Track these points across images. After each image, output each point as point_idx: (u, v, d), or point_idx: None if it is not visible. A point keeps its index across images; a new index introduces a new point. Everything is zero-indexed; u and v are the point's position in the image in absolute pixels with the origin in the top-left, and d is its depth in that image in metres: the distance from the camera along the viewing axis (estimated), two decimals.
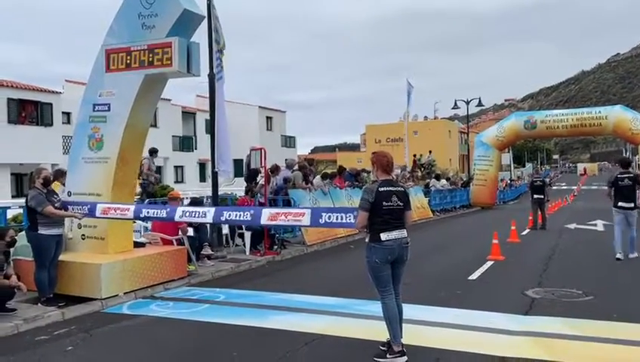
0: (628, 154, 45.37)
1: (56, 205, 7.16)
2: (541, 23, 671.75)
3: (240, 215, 6.88)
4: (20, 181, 25.72)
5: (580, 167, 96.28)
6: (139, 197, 12.84)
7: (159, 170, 13.24)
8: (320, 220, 6.03)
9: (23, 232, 7.57)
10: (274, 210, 6.72)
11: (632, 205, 10.00)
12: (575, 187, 45.36)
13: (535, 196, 16.29)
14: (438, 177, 25.79)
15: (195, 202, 10.77)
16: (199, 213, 7.10)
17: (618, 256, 9.90)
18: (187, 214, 7.09)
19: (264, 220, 6.53)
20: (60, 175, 8.89)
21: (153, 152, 13.10)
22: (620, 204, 9.96)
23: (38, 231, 6.93)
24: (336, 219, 5.87)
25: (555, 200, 27.51)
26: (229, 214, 6.97)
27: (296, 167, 14.43)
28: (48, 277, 6.97)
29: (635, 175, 10.27)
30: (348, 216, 5.72)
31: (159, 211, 7.55)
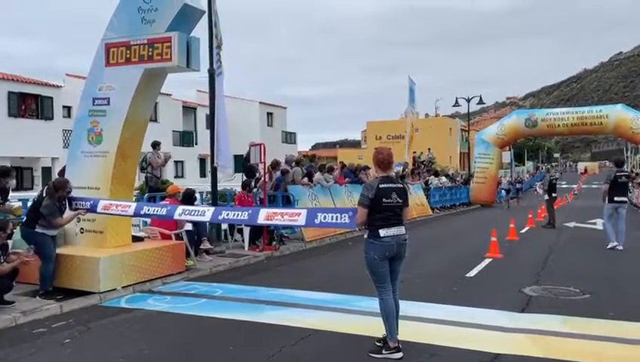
0: (629, 153, 45.38)
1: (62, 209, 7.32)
2: (544, 20, 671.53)
3: (238, 214, 6.95)
4: (21, 174, 25.72)
5: (581, 165, 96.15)
6: (139, 191, 12.83)
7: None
8: (315, 220, 6.02)
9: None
10: (271, 210, 6.74)
11: (625, 199, 11.58)
12: (575, 186, 45.29)
13: (553, 195, 16.49)
14: (436, 174, 25.76)
15: (188, 194, 10.58)
16: (198, 211, 7.14)
17: (612, 245, 11.11)
18: (186, 213, 7.13)
19: (261, 220, 6.58)
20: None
21: (156, 145, 13.05)
22: (616, 198, 11.18)
23: (35, 230, 7.03)
24: (332, 219, 5.82)
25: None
26: (227, 214, 7.04)
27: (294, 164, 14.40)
28: None
29: (628, 173, 11.88)
30: (343, 216, 5.66)
31: (159, 209, 7.55)
